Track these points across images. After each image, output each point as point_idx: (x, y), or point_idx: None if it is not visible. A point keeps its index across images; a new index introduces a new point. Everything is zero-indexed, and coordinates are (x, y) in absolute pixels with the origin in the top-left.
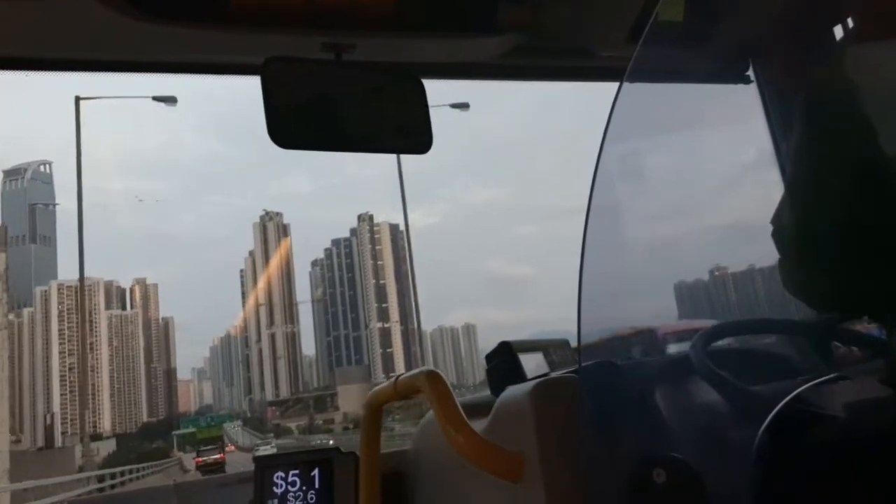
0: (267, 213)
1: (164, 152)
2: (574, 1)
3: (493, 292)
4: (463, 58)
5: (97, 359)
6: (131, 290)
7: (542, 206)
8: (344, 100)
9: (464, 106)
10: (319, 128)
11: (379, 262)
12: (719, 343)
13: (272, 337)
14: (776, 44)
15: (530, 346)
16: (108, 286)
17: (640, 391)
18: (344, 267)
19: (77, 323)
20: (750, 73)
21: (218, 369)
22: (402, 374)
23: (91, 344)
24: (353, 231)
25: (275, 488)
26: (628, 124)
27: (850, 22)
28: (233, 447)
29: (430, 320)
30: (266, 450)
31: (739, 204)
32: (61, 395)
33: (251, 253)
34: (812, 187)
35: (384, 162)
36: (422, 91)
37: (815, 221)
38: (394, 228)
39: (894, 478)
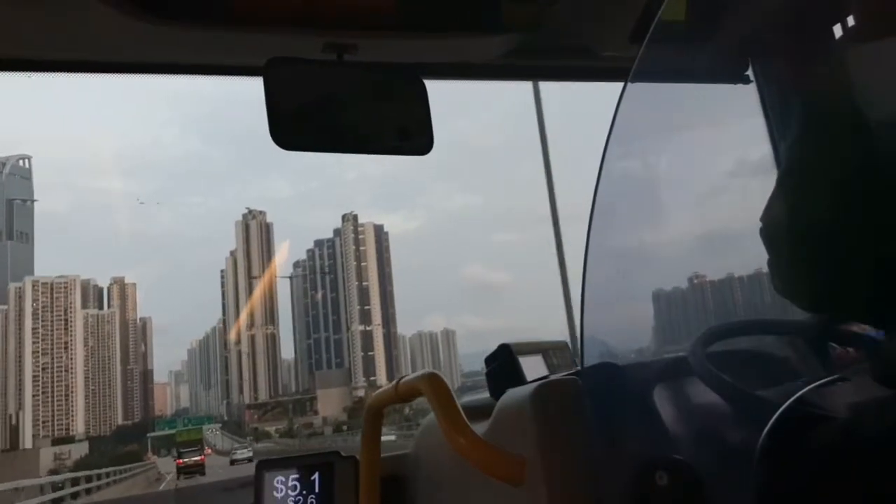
0: (250, 212)
1: (143, 152)
2: (576, 1)
3: (471, 298)
4: (465, 58)
5: (72, 359)
6: (109, 290)
7: (520, 213)
8: (346, 101)
9: None
10: (321, 129)
11: (363, 264)
12: (718, 345)
13: (252, 339)
14: (776, 43)
15: (530, 349)
16: (85, 284)
17: (641, 393)
18: (326, 268)
19: (51, 321)
20: (749, 73)
21: (195, 372)
22: (404, 376)
23: (66, 343)
24: (337, 231)
25: (275, 492)
26: (634, 126)
27: (850, 22)
28: (210, 450)
29: (408, 325)
30: (243, 453)
31: (746, 206)
32: (33, 395)
33: (232, 253)
34: (804, 185)
35: (365, 166)
36: (424, 92)
37: (806, 220)
38: (378, 229)
39: None
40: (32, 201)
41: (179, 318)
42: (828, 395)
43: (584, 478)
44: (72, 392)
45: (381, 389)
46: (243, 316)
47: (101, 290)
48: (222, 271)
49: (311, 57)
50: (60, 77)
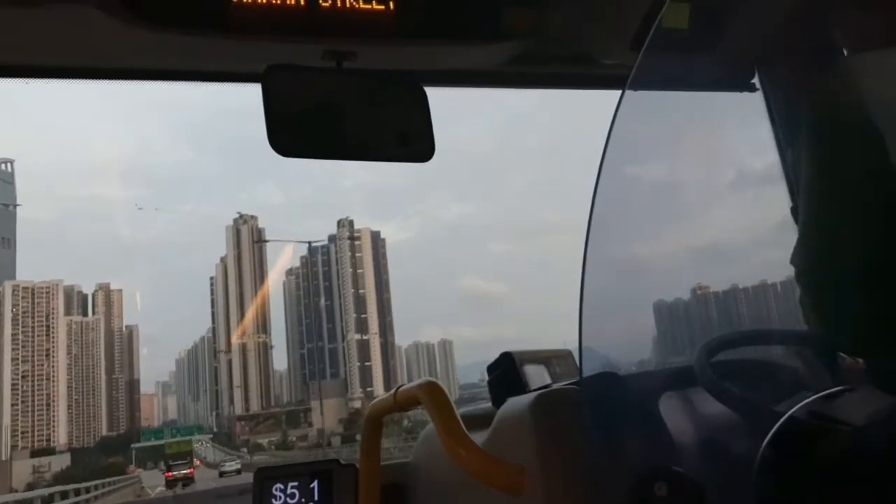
0: (241, 216)
1: (133, 159)
2: (577, 8)
3: (466, 309)
4: (465, 65)
5: (54, 367)
6: (94, 296)
7: (514, 223)
8: (345, 108)
9: None
10: (320, 136)
11: (359, 271)
12: (724, 355)
13: (243, 348)
14: (783, 51)
15: (532, 357)
16: (69, 290)
17: (643, 402)
18: (321, 276)
19: (32, 327)
20: (755, 80)
21: (184, 383)
22: (402, 385)
23: (48, 351)
24: (332, 238)
25: (274, 500)
26: (632, 134)
27: (857, 30)
28: (199, 462)
29: (404, 336)
30: (231, 465)
31: (745, 216)
32: (12, 405)
33: (223, 259)
34: (823, 230)
35: (358, 175)
36: (424, 98)
37: (829, 264)
38: (375, 235)
39: None
40: (15, 206)
41: (167, 327)
42: (830, 407)
43: (584, 488)
44: (53, 401)
45: (379, 398)
46: (234, 324)
47: (85, 297)
48: (212, 278)
49: (310, 64)
50: (49, 82)
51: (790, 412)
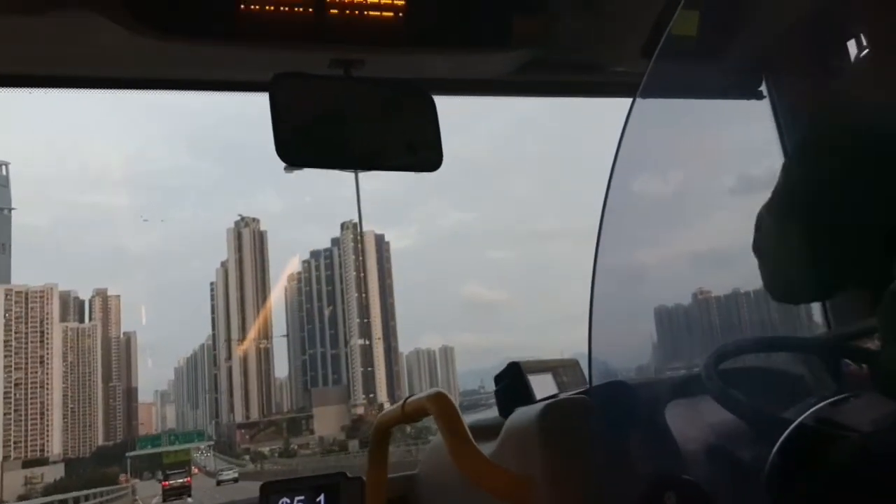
0: (242, 219)
1: (131, 166)
2: (586, 16)
3: (467, 316)
4: (474, 74)
5: (48, 374)
6: (91, 302)
7: (514, 231)
8: (353, 116)
9: None
10: (328, 145)
11: (362, 275)
12: (731, 362)
13: (244, 354)
14: (791, 59)
15: (540, 367)
16: (65, 296)
17: (651, 412)
18: (324, 280)
19: (26, 333)
20: (763, 88)
21: (182, 391)
22: (410, 395)
23: (42, 357)
24: (335, 241)
25: None
26: (643, 141)
27: (866, 39)
28: (197, 469)
29: (404, 342)
30: (228, 474)
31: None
32: (5, 413)
33: (223, 264)
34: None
35: (361, 182)
36: (432, 107)
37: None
38: (379, 239)
39: None
40: (10, 210)
41: (167, 335)
42: (839, 412)
43: (592, 499)
44: (48, 410)
45: (387, 409)
46: (235, 330)
47: (82, 303)
48: (212, 283)
49: (317, 72)
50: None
51: (799, 419)
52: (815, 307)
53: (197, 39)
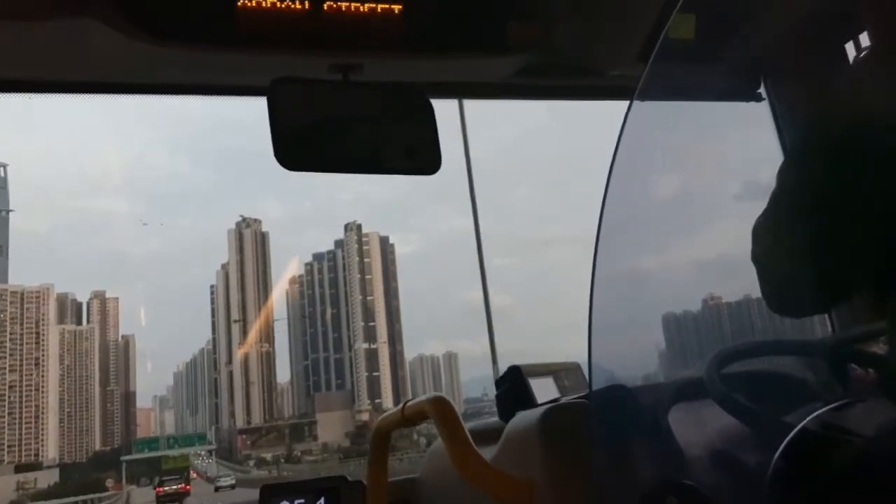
0: (244, 220)
1: (128, 171)
2: (584, 20)
3: (470, 323)
4: (472, 77)
5: (43, 376)
6: (88, 304)
7: (516, 237)
8: (351, 121)
9: None
10: (327, 149)
11: (367, 277)
12: (734, 366)
13: (245, 357)
14: (790, 62)
15: (541, 370)
16: (63, 298)
17: (653, 416)
18: (327, 283)
19: (21, 334)
20: (762, 90)
21: (182, 397)
22: (410, 399)
23: (37, 359)
24: (339, 243)
25: None
26: (640, 144)
27: (865, 41)
28: (196, 474)
29: (408, 348)
30: (226, 481)
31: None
32: None
33: (224, 266)
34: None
35: (362, 186)
36: (430, 111)
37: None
38: (384, 241)
39: None
40: (8, 211)
41: (166, 340)
42: (842, 417)
43: (594, 502)
44: (43, 413)
45: (387, 413)
46: (236, 333)
47: (79, 305)
48: (212, 286)
49: (316, 77)
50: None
51: (802, 424)
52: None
53: (195, 44)
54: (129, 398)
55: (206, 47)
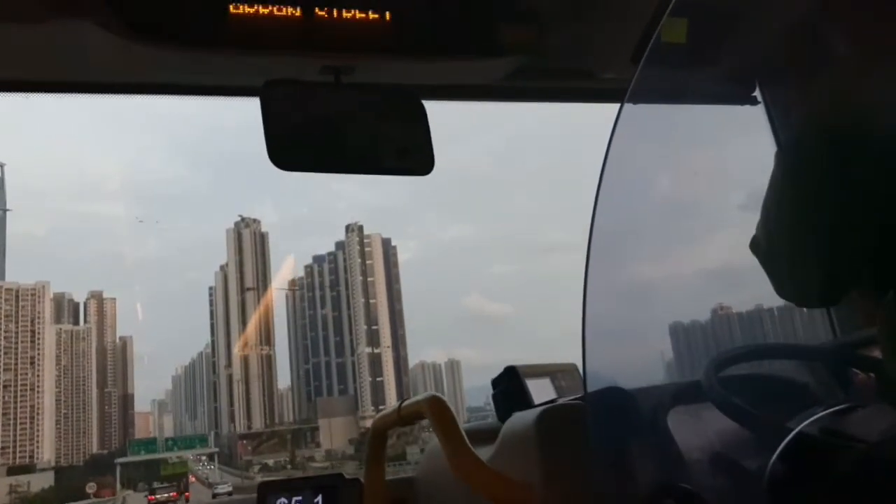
0: (243, 219)
1: (126, 174)
2: (576, 22)
3: (470, 332)
4: (464, 79)
5: (38, 376)
6: (85, 304)
7: (516, 244)
8: (344, 122)
9: None
10: (320, 150)
11: (369, 279)
12: (733, 369)
13: (245, 360)
14: (784, 65)
15: (538, 372)
16: (59, 297)
17: (650, 418)
18: (327, 285)
19: (16, 333)
20: (757, 94)
21: (180, 401)
22: (405, 400)
23: (32, 359)
24: (340, 244)
25: None
26: (631, 149)
27: (861, 44)
28: (194, 477)
29: (410, 355)
30: (223, 487)
31: (748, 233)
32: None
33: (223, 267)
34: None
35: (359, 194)
36: (422, 113)
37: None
38: (386, 242)
39: None
40: (5, 211)
41: (164, 344)
42: (842, 422)
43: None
44: (38, 414)
45: (383, 412)
46: (235, 336)
47: (76, 305)
48: (211, 288)
49: (308, 79)
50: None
51: (799, 428)
52: (818, 314)
53: (188, 46)
54: (126, 400)
55: (200, 49)
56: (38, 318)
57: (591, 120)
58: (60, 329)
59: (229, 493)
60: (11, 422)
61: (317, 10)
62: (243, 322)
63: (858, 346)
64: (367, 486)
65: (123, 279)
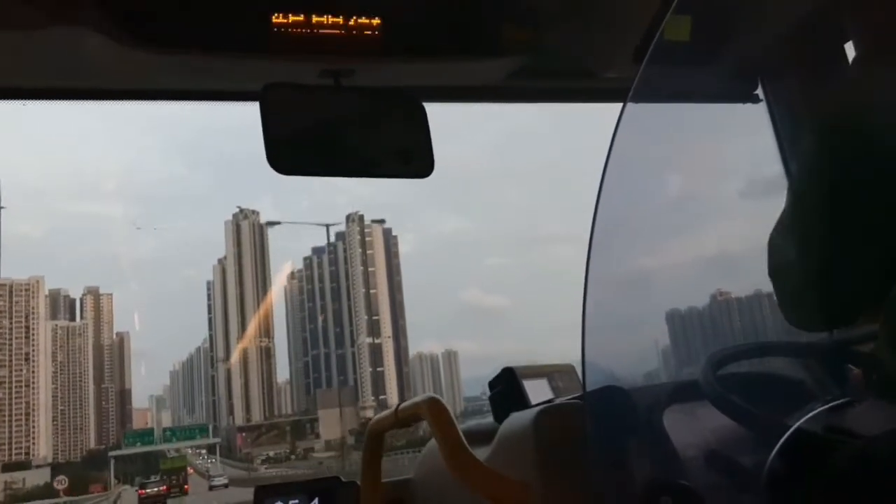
0: (241, 211)
1: (123, 175)
2: (577, 22)
3: (467, 323)
4: (464, 81)
5: (34, 372)
6: (81, 301)
7: (511, 236)
8: (344, 125)
9: None
10: (320, 154)
11: (370, 269)
12: (731, 367)
13: (243, 353)
14: (787, 63)
15: (535, 372)
16: (55, 294)
17: (647, 416)
18: (327, 277)
19: (10, 328)
20: (759, 92)
21: (178, 396)
22: (403, 402)
23: (27, 354)
24: (340, 235)
25: None
26: (633, 146)
27: (863, 42)
28: (192, 470)
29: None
30: (220, 480)
31: (748, 227)
32: None
33: (221, 261)
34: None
35: (358, 189)
36: (423, 115)
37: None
38: (387, 232)
39: None
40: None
41: (162, 340)
42: (839, 418)
43: (587, 503)
44: (34, 410)
45: (380, 414)
46: (234, 330)
47: (72, 302)
48: (209, 282)
49: (307, 82)
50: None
51: (797, 424)
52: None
53: (187, 50)
54: (124, 396)
55: (198, 53)
56: (33, 313)
57: (589, 116)
58: (56, 325)
59: (225, 486)
60: (7, 418)
61: (316, 13)
62: (242, 315)
63: (855, 342)
64: (364, 488)
65: (121, 278)
